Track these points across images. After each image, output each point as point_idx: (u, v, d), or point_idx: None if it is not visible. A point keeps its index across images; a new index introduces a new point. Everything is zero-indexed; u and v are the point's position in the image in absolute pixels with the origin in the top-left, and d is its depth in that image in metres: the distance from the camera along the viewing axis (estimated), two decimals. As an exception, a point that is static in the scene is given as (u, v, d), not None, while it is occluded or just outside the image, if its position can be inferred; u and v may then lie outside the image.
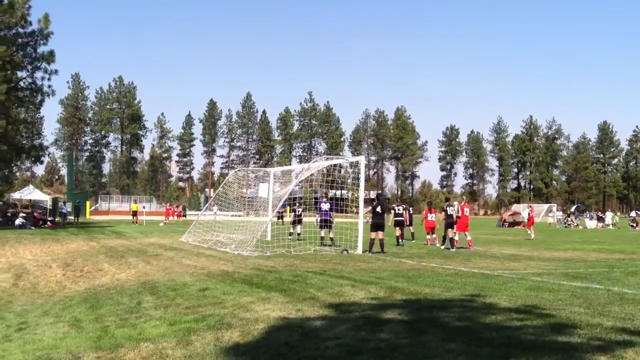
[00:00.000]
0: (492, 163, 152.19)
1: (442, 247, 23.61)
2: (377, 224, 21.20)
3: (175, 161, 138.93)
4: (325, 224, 24.46)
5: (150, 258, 18.19)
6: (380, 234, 21.06)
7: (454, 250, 22.20)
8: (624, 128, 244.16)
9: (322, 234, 24.56)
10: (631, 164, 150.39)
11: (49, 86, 43.28)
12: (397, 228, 25.53)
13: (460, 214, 23.62)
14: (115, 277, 13.72)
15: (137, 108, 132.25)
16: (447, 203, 24.83)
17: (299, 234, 27.54)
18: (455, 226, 23.33)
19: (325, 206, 24.63)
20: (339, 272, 14.04)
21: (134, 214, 54.64)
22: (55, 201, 57.56)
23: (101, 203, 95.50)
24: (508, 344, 6.67)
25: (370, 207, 21.77)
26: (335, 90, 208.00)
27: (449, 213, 23.81)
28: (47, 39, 41.29)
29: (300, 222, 28.37)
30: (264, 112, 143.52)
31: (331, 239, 24.16)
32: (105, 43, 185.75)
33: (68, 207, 55.85)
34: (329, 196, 25.63)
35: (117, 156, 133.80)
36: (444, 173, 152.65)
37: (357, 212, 22.77)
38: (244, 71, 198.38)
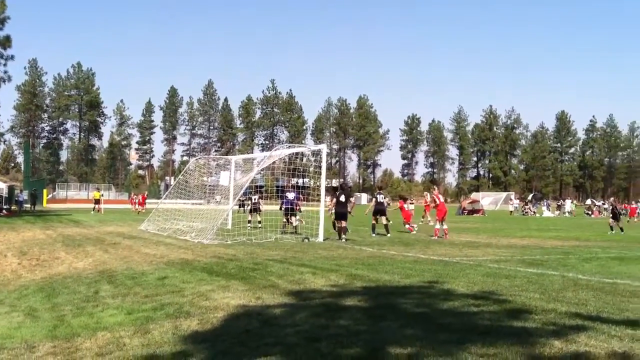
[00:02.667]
0: (453, 152, 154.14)
1: (375, 235, 23.38)
2: (340, 213, 21.31)
3: (135, 149, 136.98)
4: (292, 212, 24.47)
5: (108, 247, 17.95)
6: (343, 223, 21.19)
7: (375, 236, 22.78)
8: (581, 118, 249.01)
9: (293, 222, 24.54)
10: (587, 153, 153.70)
11: (5, 72, 42.52)
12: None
13: (438, 201, 23.94)
14: (72, 265, 13.50)
15: (95, 95, 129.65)
16: (379, 191, 25.27)
17: (259, 222, 27.47)
18: (425, 213, 23.69)
19: (290, 195, 24.63)
20: (299, 260, 14.07)
21: (96, 202, 53.79)
22: (11, 189, 56.38)
23: (59, 191, 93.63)
24: (465, 329, 6.78)
25: (333, 197, 21.89)
26: (297, 78, 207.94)
27: (379, 200, 24.14)
28: (3, 23, 40.43)
29: (257, 210, 28.35)
30: (225, 100, 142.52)
31: (295, 227, 24.20)
32: (64, 29, 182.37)
33: (24, 195, 54.76)
34: (291, 184, 25.63)
35: (75, 143, 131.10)
36: (405, 162, 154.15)
37: (319, 201, 22.81)
38: (205, 59, 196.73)
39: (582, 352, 5.82)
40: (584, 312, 7.89)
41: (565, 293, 9.42)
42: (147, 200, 60.39)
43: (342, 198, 21.64)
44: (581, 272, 12.24)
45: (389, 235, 23.14)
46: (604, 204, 65.73)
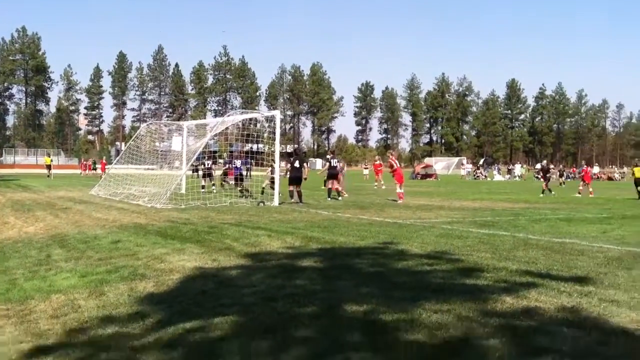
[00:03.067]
0: (406, 118, 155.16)
1: (330, 198, 23.35)
2: (293, 178, 21.42)
3: (84, 114, 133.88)
4: (241, 178, 24.56)
5: (59, 211, 17.60)
6: (297, 187, 21.36)
7: (340, 199, 23.05)
8: (531, 86, 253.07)
9: (239, 189, 24.55)
10: (537, 119, 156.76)
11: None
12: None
13: (395, 166, 24.05)
14: (22, 230, 13.20)
15: (41, 59, 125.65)
16: (332, 155, 25.48)
17: (213, 185, 27.33)
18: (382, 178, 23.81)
19: (238, 162, 24.77)
20: (255, 224, 14.06)
21: (48, 167, 52.74)
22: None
23: (6, 157, 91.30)
24: (419, 287, 6.90)
25: (287, 162, 21.97)
26: (250, 45, 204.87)
27: (332, 165, 24.29)
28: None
29: (210, 175, 28.22)
30: (176, 65, 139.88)
31: (247, 190, 24.24)
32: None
33: (-29, 161, 53.27)
34: (244, 150, 25.62)
35: (22, 109, 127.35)
36: (360, 128, 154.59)
37: (274, 166, 22.77)
38: (155, 23, 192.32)
39: (532, 307, 5.99)
40: (534, 269, 8.11)
41: (515, 252, 9.66)
42: (96, 165, 59.44)
43: (297, 164, 21.70)
44: (531, 233, 12.56)
45: (340, 199, 23.28)
46: (553, 168, 67.15)
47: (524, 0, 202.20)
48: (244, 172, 25.29)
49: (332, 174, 24.27)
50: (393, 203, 22.16)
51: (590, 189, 30.72)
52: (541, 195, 29.52)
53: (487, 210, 19.06)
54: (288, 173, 22.04)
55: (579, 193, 30.07)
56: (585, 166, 35.75)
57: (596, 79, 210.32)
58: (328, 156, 27.49)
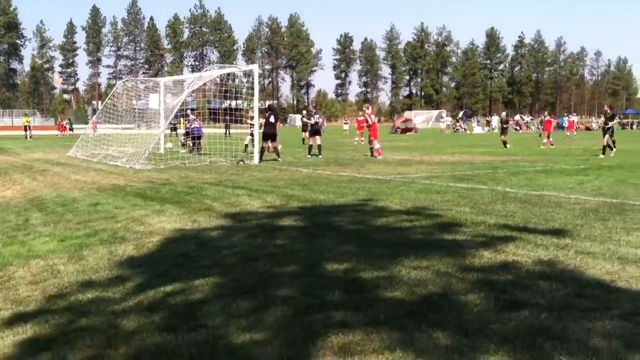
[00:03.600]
0: (385, 71, 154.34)
1: (311, 155, 23.40)
2: (268, 134, 21.29)
3: (58, 72, 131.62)
4: (199, 137, 25.51)
5: (36, 174, 17.43)
6: (271, 143, 21.20)
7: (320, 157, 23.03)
8: (510, 34, 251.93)
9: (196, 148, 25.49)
10: (516, 69, 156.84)
11: None
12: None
13: (370, 121, 23.92)
14: (-1, 195, 13.07)
15: (13, 15, 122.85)
16: (315, 111, 25.57)
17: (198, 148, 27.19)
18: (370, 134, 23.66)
19: (196, 123, 25.54)
20: (235, 183, 14.03)
21: (25, 128, 51.77)
22: None
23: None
24: (398, 244, 6.96)
25: (263, 117, 21.81)
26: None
27: (315, 120, 24.42)
28: None
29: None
30: (151, 19, 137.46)
31: (198, 148, 25.26)
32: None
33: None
34: (223, 107, 25.57)
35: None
36: (339, 81, 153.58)
37: (252, 123, 22.62)
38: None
39: (510, 261, 6.08)
40: (512, 223, 8.20)
41: (494, 206, 9.76)
42: (72, 126, 58.72)
43: (272, 119, 21.57)
44: (509, 186, 12.67)
45: (320, 156, 23.22)
46: (532, 119, 67.53)
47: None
48: (203, 132, 25.88)
49: (315, 130, 24.29)
50: (373, 159, 22.18)
51: (551, 139, 30.78)
52: (504, 148, 28.81)
53: (466, 164, 19.17)
54: (262, 128, 21.80)
55: (543, 145, 29.98)
56: (547, 116, 35.10)
57: (575, 26, 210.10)
58: (311, 111, 27.34)
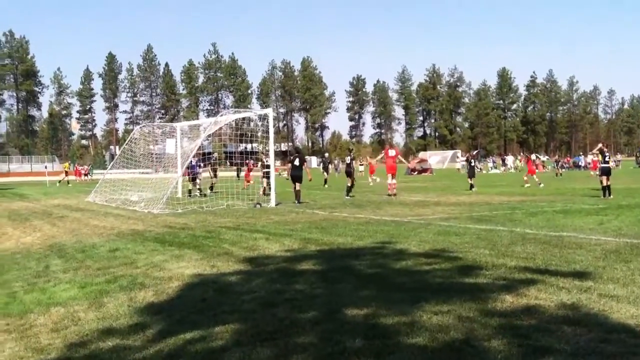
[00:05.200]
0: (399, 112, 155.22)
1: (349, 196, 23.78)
2: (294, 176, 21.79)
3: (76, 118, 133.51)
4: (194, 178, 26.37)
5: (56, 220, 17.57)
6: (297, 185, 21.63)
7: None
8: (522, 74, 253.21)
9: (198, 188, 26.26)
10: (529, 108, 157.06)
11: None
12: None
13: (386, 157, 24.79)
14: (20, 240, 13.17)
15: (31, 64, 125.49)
16: (348, 153, 26.34)
17: (199, 189, 27.19)
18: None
19: (194, 161, 25.81)
20: (252, 226, 14.06)
21: (66, 173, 53.64)
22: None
23: (0, 165, 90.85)
24: (418, 288, 6.90)
25: (287, 161, 22.33)
26: (239, 41, 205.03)
27: (349, 163, 25.61)
28: None
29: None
30: (166, 64, 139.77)
31: (200, 189, 25.81)
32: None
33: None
34: (239, 150, 25.80)
35: (14, 115, 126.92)
36: (353, 123, 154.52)
37: (268, 166, 22.78)
38: (143, 22, 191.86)
39: (532, 305, 6.00)
40: (533, 265, 8.12)
41: (514, 248, 9.68)
42: (93, 171, 59.53)
43: (297, 162, 22.01)
44: (528, 227, 12.58)
45: (349, 197, 23.57)
46: (548, 158, 67.26)
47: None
48: (199, 172, 26.06)
49: (348, 172, 25.47)
50: (389, 200, 22.17)
51: (525, 179, 31.32)
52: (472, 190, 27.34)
53: (484, 205, 19.07)
54: (288, 172, 22.49)
55: (525, 183, 30.65)
56: (532, 155, 35.47)
57: (587, 65, 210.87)
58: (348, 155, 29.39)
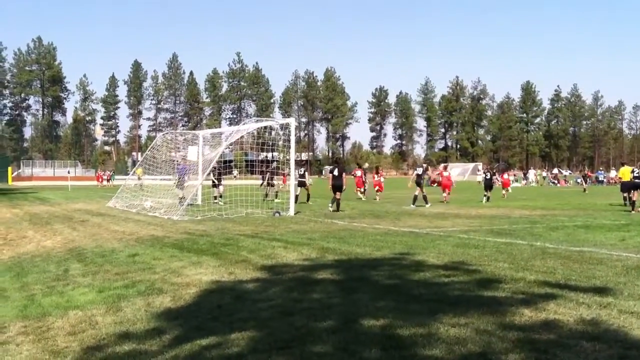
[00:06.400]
0: (420, 123, 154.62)
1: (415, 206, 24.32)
2: (335, 185, 22.34)
3: (100, 124, 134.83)
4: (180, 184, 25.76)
5: (76, 224, 17.74)
6: (337, 194, 22.11)
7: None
8: (546, 88, 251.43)
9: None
10: (552, 122, 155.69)
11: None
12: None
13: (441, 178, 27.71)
14: (40, 244, 13.31)
15: (57, 70, 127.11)
16: (419, 164, 27.27)
17: (220, 196, 27.21)
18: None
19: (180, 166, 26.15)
20: (271, 235, 14.07)
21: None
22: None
23: (24, 169, 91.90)
24: (436, 300, 6.86)
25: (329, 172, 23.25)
26: (264, 51, 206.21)
27: (418, 173, 26.18)
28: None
29: (216, 186, 28.05)
30: (191, 73, 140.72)
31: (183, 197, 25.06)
32: (22, 2, 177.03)
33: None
34: (260, 159, 25.96)
35: (39, 120, 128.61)
36: (374, 134, 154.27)
37: (288, 174, 22.84)
38: (169, 31, 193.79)
39: (551, 320, 5.93)
40: (552, 280, 8.03)
41: (533, 262, 9.58)
42: (115, 176, 59.97)
43: (336, 172, 22.76)
44: (549, 241, 12.45)
45: (428, 205, 24.36)
46: (571, 172, 66.60)
47: (535, 1, 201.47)
48: (185, 178, 25.78)
49: (418, 183, 25.94)
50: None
51: (503, 192, 34.63)
52: (485, 202, 28.97)
53: (504, 218, 18.93)
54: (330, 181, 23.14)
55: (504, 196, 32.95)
56: (554, 169, 36.69)
57: (612, 80, 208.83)
58: (422, 164, 31.00)
